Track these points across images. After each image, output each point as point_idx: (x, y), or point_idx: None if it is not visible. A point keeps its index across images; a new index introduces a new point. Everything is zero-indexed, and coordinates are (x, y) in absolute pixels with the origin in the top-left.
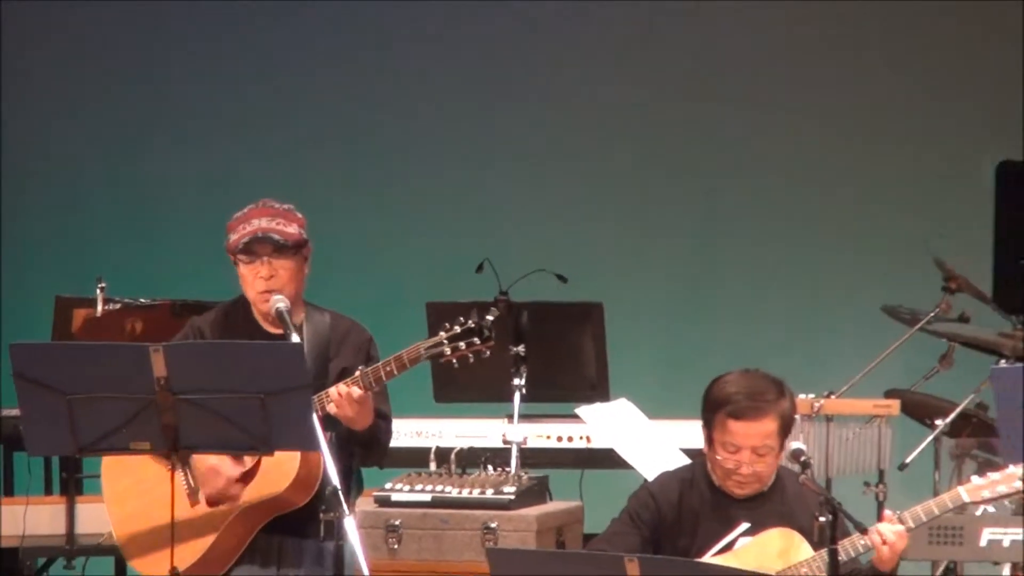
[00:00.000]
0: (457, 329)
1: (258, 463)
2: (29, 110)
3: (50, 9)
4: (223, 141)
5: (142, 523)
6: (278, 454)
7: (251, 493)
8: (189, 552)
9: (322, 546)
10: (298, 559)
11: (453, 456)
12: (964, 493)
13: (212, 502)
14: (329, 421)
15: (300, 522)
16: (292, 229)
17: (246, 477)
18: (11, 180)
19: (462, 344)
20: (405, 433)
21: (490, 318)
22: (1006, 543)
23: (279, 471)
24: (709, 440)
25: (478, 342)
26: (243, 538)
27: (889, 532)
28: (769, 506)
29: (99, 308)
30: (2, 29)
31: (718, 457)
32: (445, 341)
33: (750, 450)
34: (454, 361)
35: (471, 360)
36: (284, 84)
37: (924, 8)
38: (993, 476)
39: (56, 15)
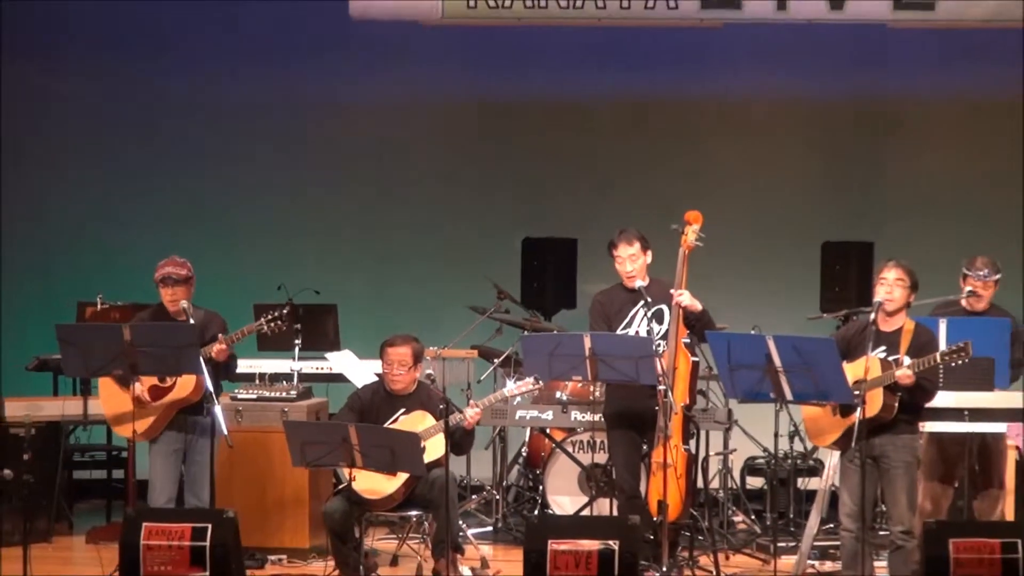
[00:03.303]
0: (271, 316)
1: (175, 382)
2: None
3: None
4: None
5: (118, 409)
6: (184, 378)
7: (172, 396)
8: (142, 424)
9: (204, 421)
10: (193, 427)
11: (267, 377)
12: (506, 392)
13: (153, 399)
14: (209, 361)
15: (193, 408)
16: (184, 272)
17: (166, 390)
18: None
19: (272, 324)
20: (244, 367)
21: (285, 311)
22: (528, 416)
23: (186, 385)
24: (383, 364)
25: (280, 323)
26: (167, 418)
27: (472, 411)
28: (414, 400)
29: (98, 307)
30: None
31: (385, 370)
32: (264, 323)
33: (397, 363)
34: (268, 332)
35: (276, 331)
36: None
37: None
38: (520, 383)
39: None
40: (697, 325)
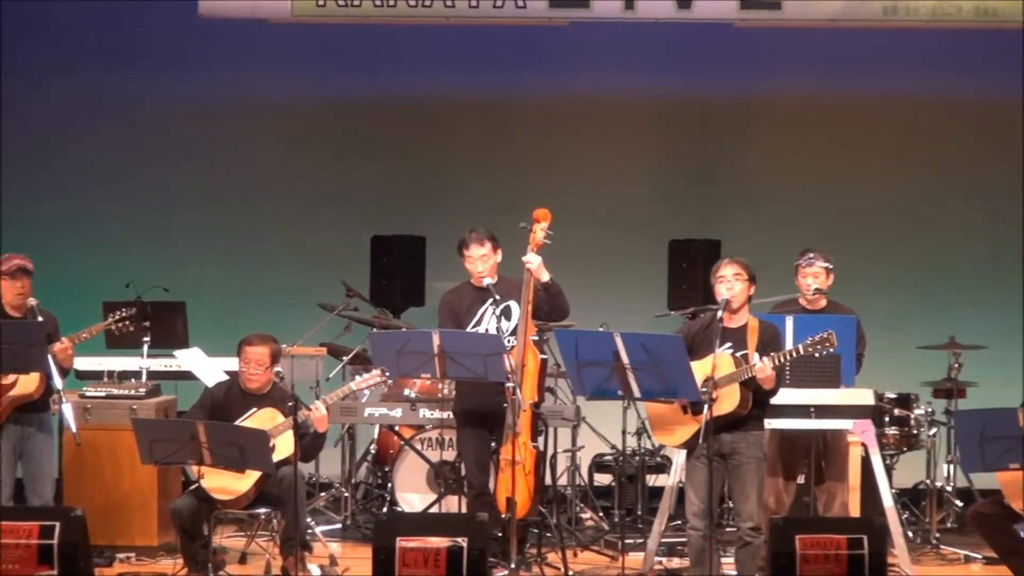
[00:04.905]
0: (118, 316)
1: (16, 379)
2: None
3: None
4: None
5: None
6: (29, 376)
7: (15, 392)
8: None
9: (44, 417)
10: (30, 422)
11: (116, 375)
12: (353, 385)
13: None
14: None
15: (33, 405)
16: (29, 264)
17: (7, 387)
18: None
19: (120, 324)
20: (92, 364)
21: (133, 311)
22: (376, 414)
23: (29, 382)
24: (240, 362)
25: (127, 323)
26: (3, 416)
27: (322, 406)
28: (267, 400)
29: None
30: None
31: (242, 368)
32: (112, 323)
33: (255, 362)
34: (116, 331)
35: (124, 331)
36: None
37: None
38: (366, 376)
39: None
40: (547, 297)
